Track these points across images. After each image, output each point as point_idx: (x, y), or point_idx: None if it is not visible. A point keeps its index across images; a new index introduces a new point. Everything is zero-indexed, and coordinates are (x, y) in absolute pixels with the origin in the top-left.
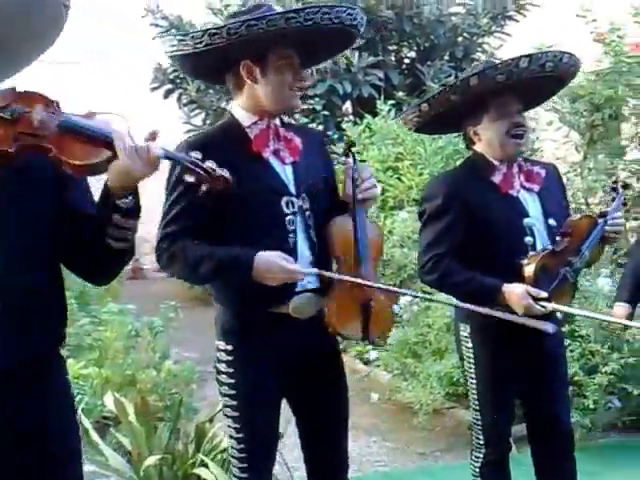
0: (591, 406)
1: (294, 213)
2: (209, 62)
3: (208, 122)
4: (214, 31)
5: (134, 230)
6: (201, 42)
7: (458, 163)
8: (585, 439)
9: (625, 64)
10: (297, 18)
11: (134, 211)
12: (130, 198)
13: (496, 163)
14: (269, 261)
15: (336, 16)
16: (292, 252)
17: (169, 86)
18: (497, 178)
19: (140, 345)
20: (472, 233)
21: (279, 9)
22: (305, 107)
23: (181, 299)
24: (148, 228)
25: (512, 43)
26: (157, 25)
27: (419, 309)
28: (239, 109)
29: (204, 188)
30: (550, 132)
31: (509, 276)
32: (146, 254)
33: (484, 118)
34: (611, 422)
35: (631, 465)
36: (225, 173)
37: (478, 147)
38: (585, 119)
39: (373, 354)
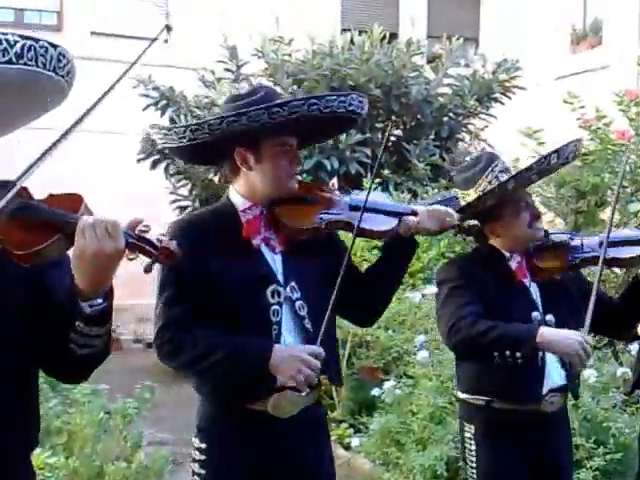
0: None
1: (279, 303)
2: (200, 152)
3: (195, 192)
4: (195, 127)
5: (104, 335)
6: (184, 137)
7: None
8: None
9: (611, 151)
10: (281, 112)
11: (101, 317)
12: (99, 301)
13: (507, 254)
14: (288, 349)
15: (325, 106)
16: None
17: (157, 157)
18: (513, 265)
19: (111, 431)
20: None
21: (278, 92)
22: None
23: (158, 372)
24: (127, 295)
25: (497, 125)
26: (148, 96)
27: (402, 394)
28: (235, 193)
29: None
30: None
31: None
32: (124, 323)
33: (505, 215)
34: None
35: None
36: (171, 245)
37: (493, 241)
38: (570, 205)
39: (355, 440)
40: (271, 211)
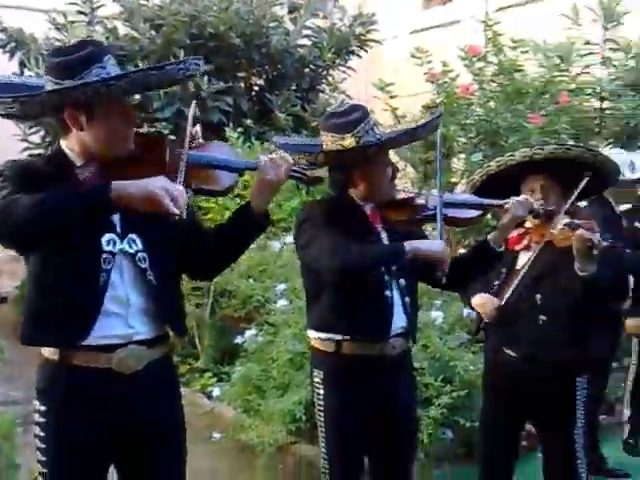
0: (426, 439)
1: (112, 253)
2: (29, 112)
3: (48, 140)
4: (25, 99)
5: None
6: (12, 108)
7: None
8: (421, 472)
9: (456, 105)
10: (120, 85)
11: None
12: None
13: (362, 203)
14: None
15: (165, 76)
16: (99, 290)
17: None
18: (368, 211)
19: None
20: None
21: (104, 46)
22: (153, 130)
23: (8, 330)
24: None
25: (355, 77)
26: None
27: (263, 342)
28: (68, 150)
29: None
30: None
31: None
32: None
33: (371, 166)
34: (444, 454)
35: None
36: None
37: (351, 191)
38: (420, 155)
39: (217, 389)
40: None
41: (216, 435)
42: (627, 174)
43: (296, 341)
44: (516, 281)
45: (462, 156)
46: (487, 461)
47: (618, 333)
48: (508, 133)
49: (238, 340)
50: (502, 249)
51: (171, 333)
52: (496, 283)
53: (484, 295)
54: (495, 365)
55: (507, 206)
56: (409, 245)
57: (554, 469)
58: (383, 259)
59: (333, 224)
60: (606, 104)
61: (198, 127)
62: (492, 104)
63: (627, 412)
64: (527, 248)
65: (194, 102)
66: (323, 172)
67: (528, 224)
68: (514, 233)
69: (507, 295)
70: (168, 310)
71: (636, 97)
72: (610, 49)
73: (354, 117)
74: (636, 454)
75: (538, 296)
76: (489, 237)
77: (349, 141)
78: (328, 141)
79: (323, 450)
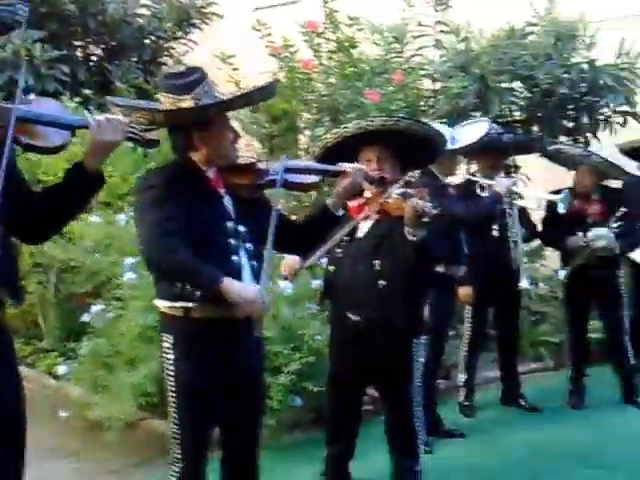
0: (276, 406)
1: None
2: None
3: None
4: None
5: None
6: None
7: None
8: (272, 438)
9: (298, 80)
10: None
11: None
12: None
13: (204, 168)
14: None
15: None
16: None
17: None
18: (210, 175)
19: None
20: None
21: None
22: None
23: None
24: None
25: (200, 50)
26: None
27: (111, 317)
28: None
29: None
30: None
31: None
32: None
33: (213, 129)
34: (295, 420)
35: (315, 460)
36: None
37: (193, 155)
38: (265, 130)
39: (63, 368)
40: None
41: (63, 414)
42: (449, 146)
43: (147, 313)
44: (326, 247)
45: (308, 133)
46: (333, 424)
47: (454, 300)
48: (348, 109)
49: (85, 318)
50: (341, 213)
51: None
52: (339, 251)
53: (291, 257)
54: (339, 330)
55: (346, 171)
56: (225, 284)
57: (394, 429)
58: (190, 278)
59: (169, 197)
60: (438, 85)
61: (32, 95)
62: (332, 80)
63: (462, 376)
64: (367, 217)
65: (25, 57)
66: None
67: (367, 194)
68: (355, 203)
69: (314, 258)
70: (1, 275)
71: (465, 78)
72: (441, 32)
73: (192, 78)
74: (470, 415)
75: (377, 262)
76: (328, 202)
77: (187, 103)
78: (167, 102)
79: (174, 417)
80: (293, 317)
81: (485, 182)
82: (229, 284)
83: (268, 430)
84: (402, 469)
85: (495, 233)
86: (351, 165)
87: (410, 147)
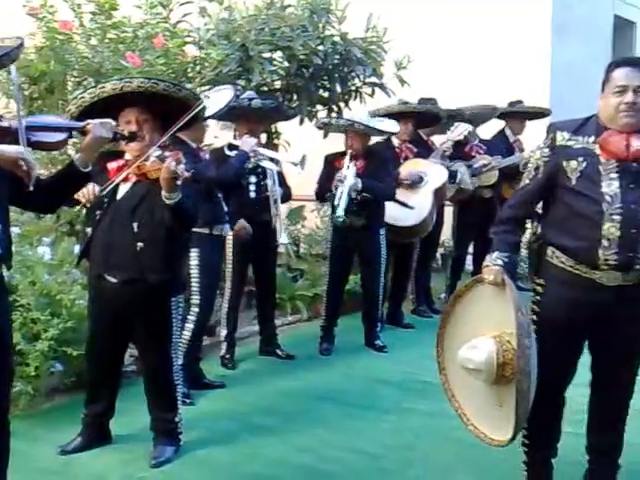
0: (33, 373)
1: None
2: None
3: None
4: None
5: None
6: None
7: None
8: (30, 406)
9: (58, 40)
10: None
11: None
12: None
13: None
14: None
15: None
16: None
17: None
18: None
19: None
20: None
21: None
22: None
23: None
24: None
25: None
26: None
27: None
28: None
29: None
30: None
31: None
32: None
33: None
34: (55, 386)
35: (77, 423)
36: None
37: None
38: (25, 91)
39: None
40: None
41: None
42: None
43: None
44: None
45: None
46: (92, 384)
47: (220, 259)
48: (111, 73)
49: None
50: (88, 170)
51: None
52: (98, 213)
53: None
54: (98, 291)
55: (89, 127)
56: None
57: (153, 384)
58: None
59: None
60: (202, 52)
61: None
62: (94, 41)
63: (224, 331)
64: (126, 180)
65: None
66: None
67: (127, 156)
68: (114, 165)
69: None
70: None
71: (227, 46)
72: None
73: None
74: (231, 368)
75: (135, 224)
76: (75, 158)
77: None
78: None
79: None
80: (53, 283)
81: (234, 142)
82: None
83: (26, 398)
84: (161, 420)
85: (252, 195)
86: (96, 120)
87: (171, 111)
